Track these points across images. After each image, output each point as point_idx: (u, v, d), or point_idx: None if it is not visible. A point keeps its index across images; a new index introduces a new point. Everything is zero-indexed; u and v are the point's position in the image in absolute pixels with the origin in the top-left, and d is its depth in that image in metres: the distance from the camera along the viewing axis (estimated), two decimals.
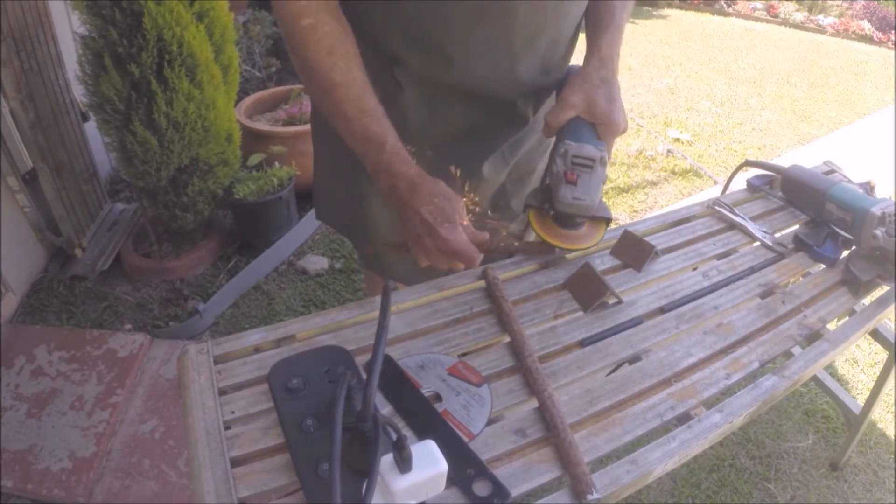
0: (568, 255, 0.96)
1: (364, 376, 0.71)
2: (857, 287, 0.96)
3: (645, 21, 5.71)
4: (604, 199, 0.89)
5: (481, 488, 0.61)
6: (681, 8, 6.29)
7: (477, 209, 0.84)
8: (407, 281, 1.14)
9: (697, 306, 0.89)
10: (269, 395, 0.68)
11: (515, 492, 0.62)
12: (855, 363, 1.90)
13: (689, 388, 0.76)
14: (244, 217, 2.17)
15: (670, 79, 4.30)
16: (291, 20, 0.74)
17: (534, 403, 0.71)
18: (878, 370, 1.72)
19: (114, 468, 1.48)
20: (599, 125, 0.81)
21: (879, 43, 5.59)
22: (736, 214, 1.08)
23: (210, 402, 0.67)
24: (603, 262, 0.96)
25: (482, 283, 0.88)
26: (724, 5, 6.29)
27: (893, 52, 5.37)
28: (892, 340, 1.24)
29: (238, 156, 2.08)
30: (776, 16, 6.08)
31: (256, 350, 0.75)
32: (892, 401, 1.72)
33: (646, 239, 0.96)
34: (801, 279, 0.99)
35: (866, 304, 0.98)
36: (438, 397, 0.71)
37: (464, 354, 0.78)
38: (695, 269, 0.97)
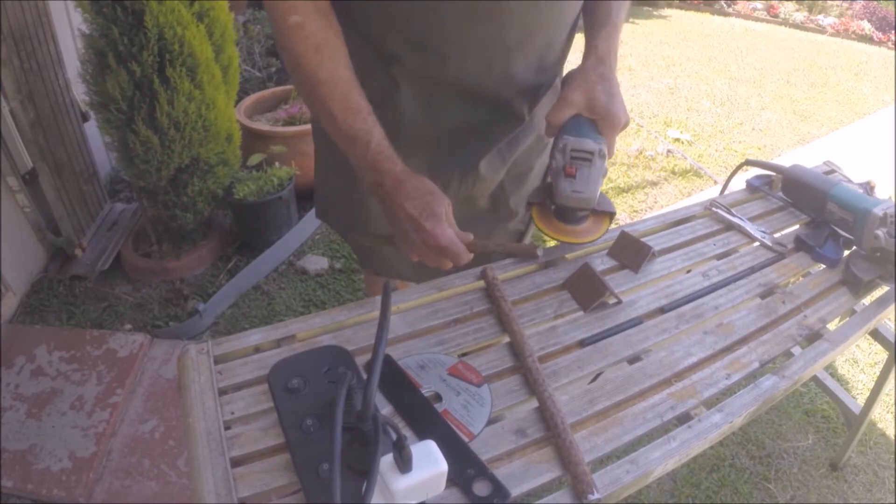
0: (568, 255, 0.96)
1: (364, 376, 0.71)
2: (857, 287, 0.96)
3: (645, 21, 5.71)
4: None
5: (481, 488, 0.61)
6: (681, 8, 6.30)
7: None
8: (406, 278, 1.14)
9: (697, 306, 0.89)
10: (269, 395, 0.68)
11: (515, 492, 0.62)
12: (855, 363, 1.90)
13: (689, 388, 0.76)
14: (244, 217, 2.17)
15: (670, 79, 4.30)
16: (280, 17, 0.75)
17: (534, 403, 0.71)
18: (878, 370, 1.72)
19: (114, 468, 1.48)
20: (600, 120, 0.82)
21: (879, 43, 5.59)
22: (734, 215, 1.08)
23: (210, 402, 0.67)
24: (603, 263, 0.96)
25: (482, 283, 0.88)
26: (724, 5, 6.29)
27: (893, 52, 5.38)
28: (892, 340, 1.24)
29: (238, 156, 2.08)
30: (776, 16, 6.08)
31: (256, 350, 0.75)
32: (892, 401, 1.72)
33: (643, 240, 0.96)
34: (801, 279, 0.99)
35: (866, 304, 0.98)
36: (438, 397, 0.71)
37: (464, 354, 0.78)
38: (688, 271, 0.97)
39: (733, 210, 1.10)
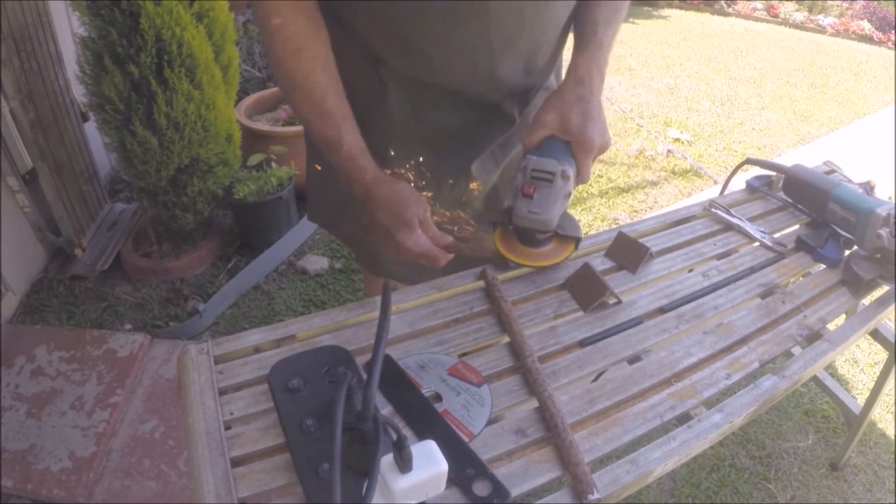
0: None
1: (364, 376, 0.71)
2: (857, 287, 0.96)
3: (645, 21, 5.71)
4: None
5: (481, 488, 0.61)
6: (681, 8, 6.30)
7: (448, 222, 0.84)
8: (399, 279, 1.14)
9: (697, 306, 0.89)
10: (269, 395, 0.68)
11: (515, 492, 0.62)
12: (855, 363, 1.90)
13: (689, 388, 0.76)
14: (244, 217, 2.17)
15: (670, 79, 4.30)
16: (263, 19, 0.76)
17: (534, 403, 0.71)
18: (878, 370, 1.72)
19: (114, 468, 1.48)
20: (574, 143, 0.80)
21: (879, 43, 5.59)
22: (733, 216, 1.08)
23: (210, 402, 0.67)
24: (602, 263, 0.96)
25: (482, 283, 0.88)
26: (724, 5, 6.29)
27: (893, 52, 5.38)
28: (892, 340, 1.24)
29: (238, 156, 2.08)
30: (776, 16, 6.08)
31: (256, 350, 0.75)
32: (892, 401, 1.72)
33: (643, 240, 0.96)
34: (801, 279, 0.99)
35: (866, 304, 0.98)
36: (438, 397, 0.71)
37: (464, 354, 0.78)
38: (690, 270, 0.97)
39: (733, 210, 1.10)
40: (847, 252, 1.03)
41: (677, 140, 3.36)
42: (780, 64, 4.81)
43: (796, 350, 0.86)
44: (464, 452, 0.64)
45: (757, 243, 1.04)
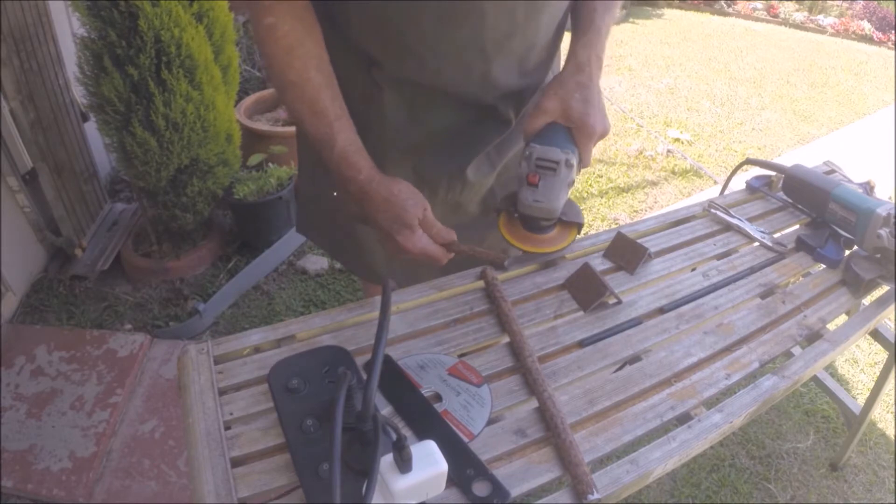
0: (567, 255, 0.96)
1: (364, 376, 0.71)
2: (857, 286, 0.96)
3: (645, 21, 5.71)
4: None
5: (481, 488, 0.61)
6: (681, 8, 6.29)
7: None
8: (398, 283, 1.14)
9: (697, 306, 0.89)
10: (269, 395, 0.68)
11: (515, 492, 0.62)
12: (855, 363, 1.90)
13: (689, 388, 0.76)
14: (244, 217, 2.17)
15: (670, 79, 4.30)
16: (256, 19, 0.76)
17: (534, 403, 0.71)
18: (878, 370, 1.72)
19: (114, 468, 1.48)
20: (575, 129, 0.80)
21: (879, 43, 5.59)
22: (732, 216, 1.08)
23: (210, 402, 0.67)
24: (602, 263, 0.96)
25: (482, 283, 0.88)
26: (724, 5, 6.29)
27: (893, 52, 5.37)
28: (892, 340, 1.24)
29: (238, 156, 2.08)
30: (776, 16, 6.08)
31: (256, 350, 0.75)
32: (892, 401, 1.72)
33: (642, 240, 0.96)
34: (801, 279, 0.99)
35: (866, 304, 0.98)
36: (438, 397, 0.71)
37: (464, 354, 0.78)
38: (693, 269, 0.97)
39: (732, 210, 1.10)
40: (847, 252, 1.03)
41: (677, 140, 3.36)
42: (780, 64, 4.81)
43: (796, 350, 0.86)
44: (463, 452, 0.64)
45: (757, 243, 1.04)
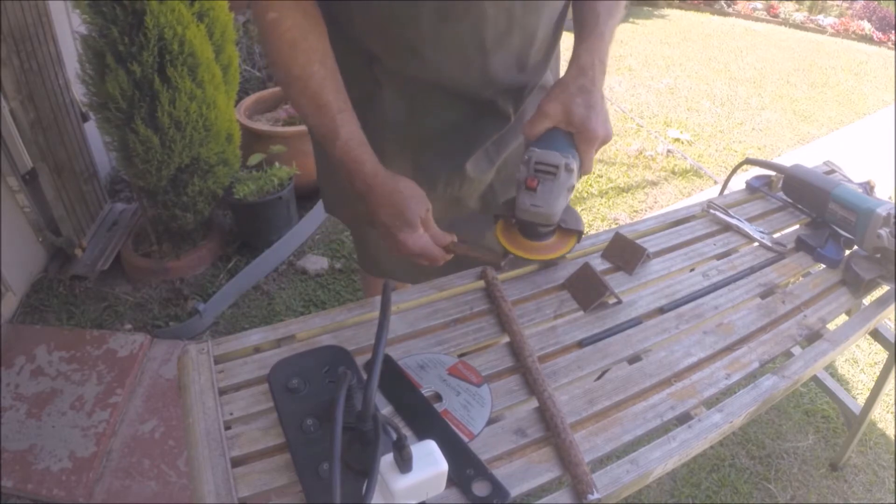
0: (567, 255, 0.96)
1: (364, 376, 0.71)
2: (857, 286, 0.96)
3: (645, 21, 5.71)
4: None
5: (481, 488, 0.61)
6: (681, 8, 6.29)
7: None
8: (399, 279, 1.14)
9: (697, 306, 0.89)
10: (269, 395, 0.68)
11: (515, 492, 0.62)
12: (855, 363, 1.90)
13: (689, 388, 0.76)
14: (244, 217, 2.17)
15: (670, 79, 4.30)
16: (259, 15, 0.76)
17: (534, 403, 0.71)
18: (878, 370, 1.72)
19: (114, 468, 1.48)
20: (577, 134, 0.79)
21: (879, 43, 5.59)
22: (731, 216, 1.08)
23: (210, 402, 0.67)
24: (602, 263, 0.96)
25: (482, 282, 0.88)
26: (724, 5, 6.29)
27: (893, 52, 5.37)
28: (892, 340, 1.24)
29: (238, 156, 2.08)
30: (776, 16, 6.07)
31: (256, 350, 0.75)
32: (892, 401, 1.72)
33: (642, 240, 0.96)
34: (801, 279, 0.99)
35: (866, 304, 0.98)
36: (438, 397, 0.71)
37: (464, 354, 0.78)
38: (693, 269, 0.97)
39: (731, 211, 1.10)
40: (847, 252, 1.03)
41: (677, 140, 3.36)
42: (780, 64, 4.80)
43: (796, 350, 0.86)
44: (464, 452, 0.64)
45: (756, 243, 1.04)
